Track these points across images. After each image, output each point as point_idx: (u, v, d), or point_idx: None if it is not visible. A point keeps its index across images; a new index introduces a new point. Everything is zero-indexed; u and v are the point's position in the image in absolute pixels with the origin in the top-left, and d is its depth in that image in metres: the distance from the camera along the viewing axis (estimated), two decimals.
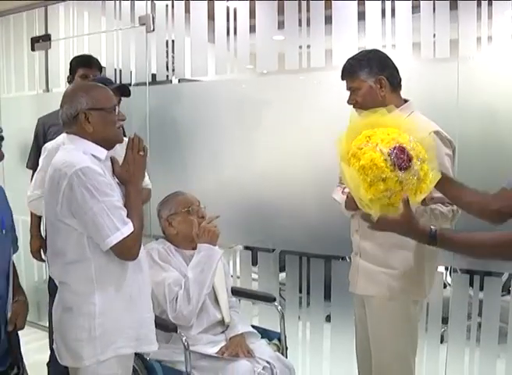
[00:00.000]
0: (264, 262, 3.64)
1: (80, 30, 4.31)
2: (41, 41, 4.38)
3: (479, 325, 2.97)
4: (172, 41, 3.74)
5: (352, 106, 2.36)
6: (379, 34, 2.99)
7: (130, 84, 3.92)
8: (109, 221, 1.88)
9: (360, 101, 2.32)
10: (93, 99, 1.98)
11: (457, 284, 3.03)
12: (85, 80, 3.23)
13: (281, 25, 3.29)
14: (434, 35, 2.82)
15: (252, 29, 3.37)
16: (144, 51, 3.82)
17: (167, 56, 3.78)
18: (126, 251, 1.94)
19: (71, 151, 1.98)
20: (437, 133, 2.23)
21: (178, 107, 3.76)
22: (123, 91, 2.75)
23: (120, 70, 4.03)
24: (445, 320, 3.09)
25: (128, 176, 2.04)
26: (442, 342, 3.11)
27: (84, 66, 3.32)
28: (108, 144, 2.04)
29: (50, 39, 4.36)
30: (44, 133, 3.33)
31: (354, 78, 2.33)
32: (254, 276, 3.77)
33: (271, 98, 3.37)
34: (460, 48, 2.78)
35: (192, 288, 2.45)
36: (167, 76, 3.81)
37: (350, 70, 2.34)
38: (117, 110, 2.05)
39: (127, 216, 1.94)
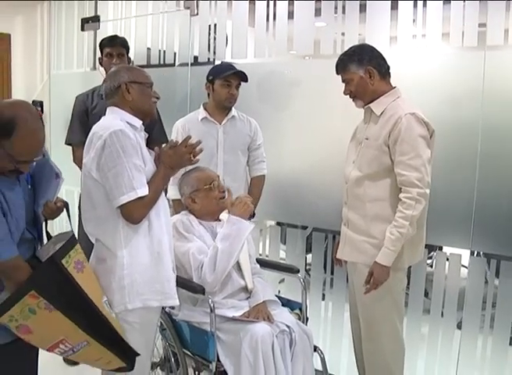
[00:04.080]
0: (294, 239, 3.72)
1: (127, 12, 4.49)
2: (91, 22, 4.52)
3: (494, 310, 3.00)
4: (215, 25, 3.87)
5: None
6: (410, 23, 3.06)
7: (174, 65, 4.09)
8: (128, 180, 2.06)
9: (353, 91, 2.58)
10: (133, 75, 2.25)
11: (475, 268, 3.05)
12: (110, 59, 3.41)
13: (318, 12, 3.39)
14: (463, 25, 2.88)
15: (290, 15, 3.48)
16: (188, 33, 3.96)
17: (209, 39, 3.92)
18: (135, 211, 2.10)
19: (109, 119, 2.21)
20: (413, 114, 2.41)
21: None
22: (242, 77, 3.15)
23: (164, 51, 4.19)
24: (461, 307, 3.10)
25: (168, 159, 2.23)
26: (460, 328, 3.12)
27: (107, 46, 3.48)
28: (143, 116, 2.26)
29: (99, 20, 4.51)
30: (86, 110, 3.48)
31: (346, 71, 2.57)
32: (282, 255, 3.86)
33: (307, 80, 3.46)
34: (487, 37, 2.81)
35: (219, 258, 2.55)
36: (208, 58, 3.94)
37: (342, 65, 2.59)
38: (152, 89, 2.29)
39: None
